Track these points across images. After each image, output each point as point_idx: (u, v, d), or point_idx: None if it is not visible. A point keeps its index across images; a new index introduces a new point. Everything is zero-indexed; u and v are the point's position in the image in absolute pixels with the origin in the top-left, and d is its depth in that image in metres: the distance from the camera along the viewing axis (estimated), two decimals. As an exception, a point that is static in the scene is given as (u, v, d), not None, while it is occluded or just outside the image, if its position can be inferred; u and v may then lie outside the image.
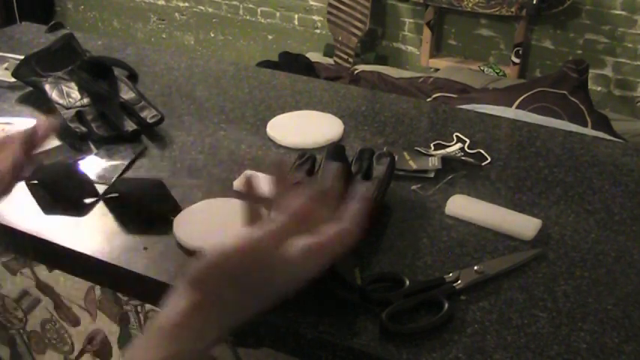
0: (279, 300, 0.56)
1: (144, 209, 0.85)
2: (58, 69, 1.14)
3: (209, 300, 0.53)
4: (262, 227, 0.55)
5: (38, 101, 1.13)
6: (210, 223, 0.82)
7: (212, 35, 4.03)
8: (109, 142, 1.01)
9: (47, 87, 1.10)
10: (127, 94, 1.10)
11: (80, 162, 0.97)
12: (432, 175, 0.95)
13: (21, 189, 0.91)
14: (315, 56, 3.31)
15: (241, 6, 3.86)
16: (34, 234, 0.82)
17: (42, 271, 0.96)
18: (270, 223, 0.55)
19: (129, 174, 0.95)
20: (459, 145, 1.04)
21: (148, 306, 0.90)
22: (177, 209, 0.85)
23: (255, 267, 0.53)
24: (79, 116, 1.05)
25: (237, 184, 0.90)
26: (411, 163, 0.96)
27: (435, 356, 0.65)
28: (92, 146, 1.01)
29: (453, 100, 2.31)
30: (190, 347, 0.53)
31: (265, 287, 0.55)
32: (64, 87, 1.10)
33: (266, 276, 0.54)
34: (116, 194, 0.88)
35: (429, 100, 2.35)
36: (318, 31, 3.70)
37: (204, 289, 0.53)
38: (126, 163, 0.97)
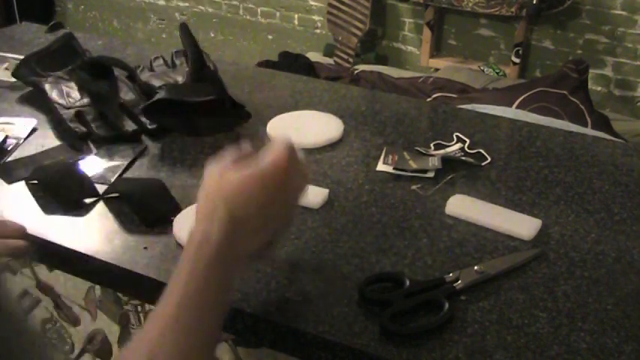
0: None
1: (144, 209, 0.85)
2: (58, 69, 1.14)
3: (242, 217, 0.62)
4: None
5: (38, 101, 1.13)
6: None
7: (212, 35, 4.04)
8: (109, 142, 1.01)
9: (47, 87, 1.10)
10: (127, 94, 1.10)
11: (80, 162, 0.97)
12: (432, 175, 0.95)
13: (21, 189, 0.91)
14: (315, 56, 3.30)
15: (241, 6, 3.85)
16: (34, 234, 0.82)
17: (42, 271, 0.96)
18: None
19: (129, 174, 0.95)
20: (459, 145, 1.04)
21: (148, 306, 0.90)
22: (177, 209, 0.85)
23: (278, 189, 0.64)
24: (79, 116, 1.05)
25: None
26: (411, 163, 0.96)
27: (435, 356, 0.65)
28: (92, 146, 1.01)
29: (453, 100, 2.31)
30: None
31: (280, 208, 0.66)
32: (64, 87, 1.10)
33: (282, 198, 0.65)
34: (116, 194, 0.88)
35: (429, 100, 2.35)
36: (318, 31, 3.70)
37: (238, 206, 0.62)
38: (126, 163, 0.97)
